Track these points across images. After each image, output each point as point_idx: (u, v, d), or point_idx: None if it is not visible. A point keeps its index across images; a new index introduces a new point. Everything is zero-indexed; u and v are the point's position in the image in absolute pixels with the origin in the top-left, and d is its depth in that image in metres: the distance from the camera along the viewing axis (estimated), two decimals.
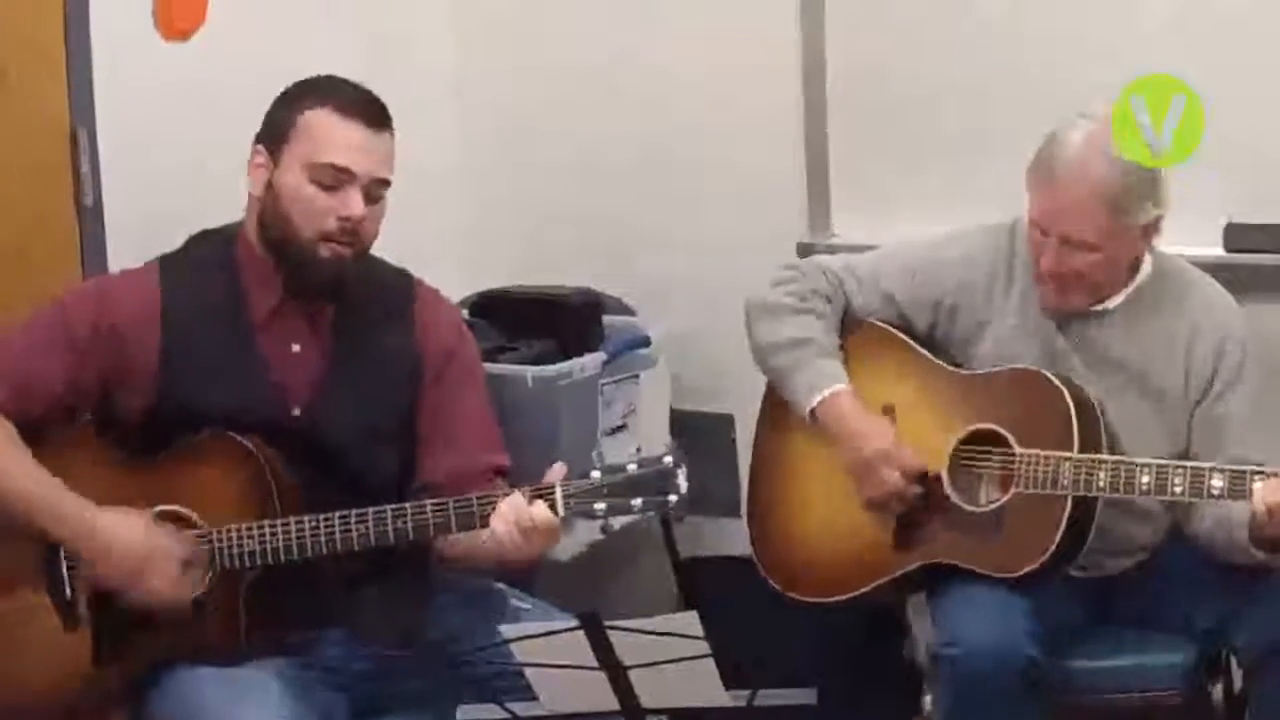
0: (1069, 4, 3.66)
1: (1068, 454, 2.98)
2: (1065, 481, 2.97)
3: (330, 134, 2.88)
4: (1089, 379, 3.11)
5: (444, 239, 4.16)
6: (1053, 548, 3.00)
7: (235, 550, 2.80)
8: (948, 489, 3.11)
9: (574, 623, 2.42)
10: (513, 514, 2.74)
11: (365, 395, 2.95)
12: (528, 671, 2.49)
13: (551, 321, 3.85)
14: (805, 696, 2.52)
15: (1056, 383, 3.05)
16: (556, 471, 2.76)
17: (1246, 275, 3.42)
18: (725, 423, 4.05)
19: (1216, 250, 3.56)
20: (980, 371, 3.17)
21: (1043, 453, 2.99)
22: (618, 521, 3.73)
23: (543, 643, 2.46)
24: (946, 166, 3.79)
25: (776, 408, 3.33)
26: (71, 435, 2.90)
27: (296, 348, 2.94)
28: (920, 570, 3.13)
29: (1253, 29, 3.50)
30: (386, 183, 2.94)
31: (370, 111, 2.91)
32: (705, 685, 2.44)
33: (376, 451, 2.95)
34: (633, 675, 2.43)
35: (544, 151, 4.21)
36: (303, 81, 2.96)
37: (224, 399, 2.87)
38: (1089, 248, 3.03)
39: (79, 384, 2.88)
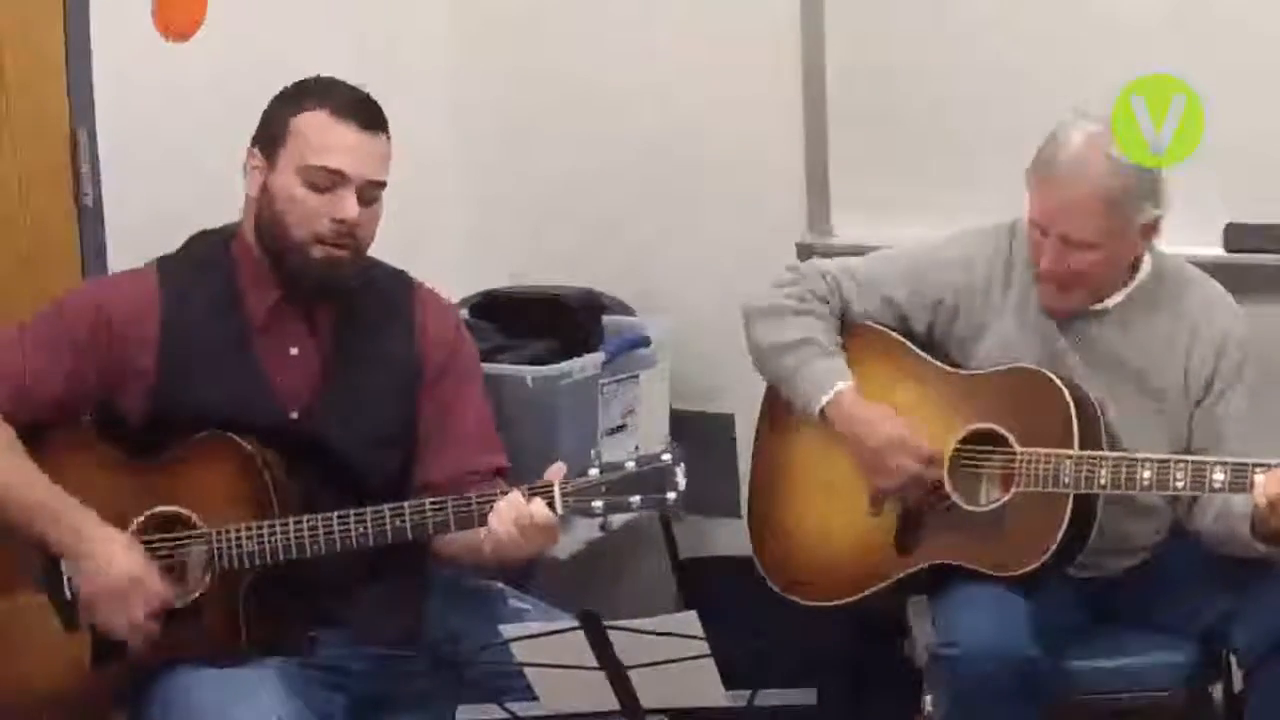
0: (1069, 4, 3.66)
1: (1068, 451, 2.98)
2: (1066, 479, 2.97)
3: (323, 137, 2.87)
4: (1089, 378, 3.11)
5: (444, 239, 4.16)
6: (1054, 546, 3.00)
7: (235, 550, 2.80)
8: (948, 489, 3.11)
9: (574, 623, 2.41)
10: (511, 512, 2.74)
11: (364, 398, 2.95)
12: (528, 671, 2.49)
13: (551, 321, 3.85)
14: (805, 696, 2.53)
15: (1056, 381, 3.05)
16: (556, 471, 2.76)
17: (1246, 275, 3.42)
18: (725, 423, 4.05)
19: (1216, 250, 3.56)
20: (979, 371, 3.17)
21: (1043, 451, 3.00)
22: (617, 520, 3.75)
23: (543, 643, 2.46)
24: (946, 167, 3.79)
25: (776, 408, 3.33)
26: (71, 436, 2.90)
27: (294, 351, 2.94)
28: (922, 573, 3.13)
29: (1252, 29, 3.50)
30: (382, 185, 2.93)
31: (364, 113, 2.90)
32: (705, 685, 2.44)
33: (375, 454, 2.95)
34: (633, 675, 2.43)
35: (544, 151, 4.21)
36: (297, 83, 2.95)
37: (221, 401, 2.87)
38: (1088, 247, 3.03)
39: (78, 385, 2.88)
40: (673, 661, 2.40)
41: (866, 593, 3.18)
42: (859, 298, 3.26)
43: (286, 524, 2.79)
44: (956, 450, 3.11)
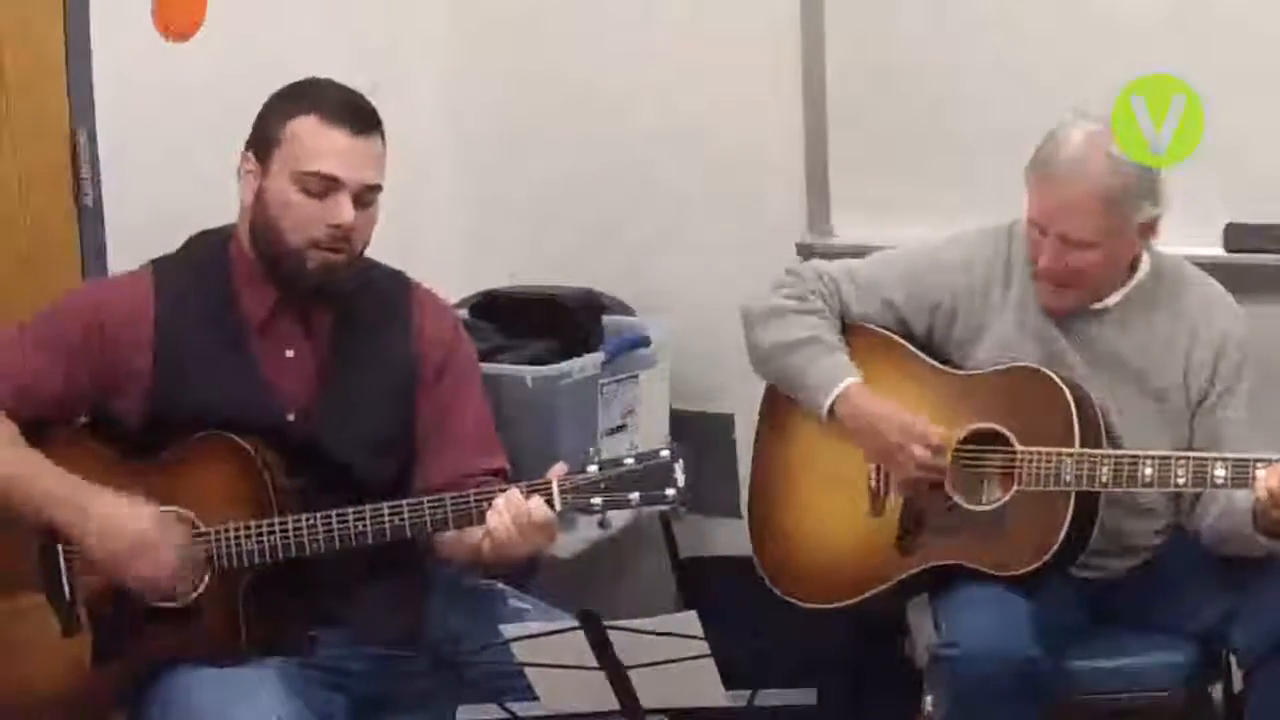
0: (1069, 4, 3.66)
1: (1069, 450, 2.98)
2: (1068, 477, 2.97)
3: (316, 142, 2.85)
4: (1090, 378, 3.11)
5: (445, 239, 4.17)
6: (1056, 546, 3.00)
7: (233, 550, 2.80)
8: (950, 489, 3.11)
9: (574, 623, 2.41)
10: (509, 509, 2.74)
11: (361, 400, 2.94)
12: (528, 671, 2.49)
13: (551, 321, 3.85)
14: (805, 696, 2.52)
15: (1056, 380, 3.05)
16: (556, 471, 2.76)
17: (1246, 275, 3.41)
18: (725, 423, 4.05)
19: (1216, 250, 3.56)
20: (979, 371, 3.17)
21: (1044, 450, 3.00)
22: (617, 520, 3.75)
23: (543, 642, 2.46)
24: (946, 167, 3.79)
25: (776, 409, 3.33)
26: (70, 436, 2.90)
27: (290, 353, 2.93)
28: (923, 574, 3.13)
29: (1252, 29, 3.50)
30: (377, 188, 2.91)
31: (357, 117, 2.88)
32: (705, 685, 2.43)
33: (373, 457, 2.94)
34: (633, 675, 2.43)
35: (545, 151, 4.21)
36: (289, 86, 2.93)
37: (218, 403, 2.86)
38: (1087, 246, 3.03)
39: (76, 387, 2.88)
40: (673, 661, 2.40)
41: (867, 594, 3.18)
42: (857, 300, 3.26)
43: (285, 523, 2.79)
44: (957, 450, 3.11)
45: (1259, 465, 2.84)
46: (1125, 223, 3.02)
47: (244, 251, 2.94)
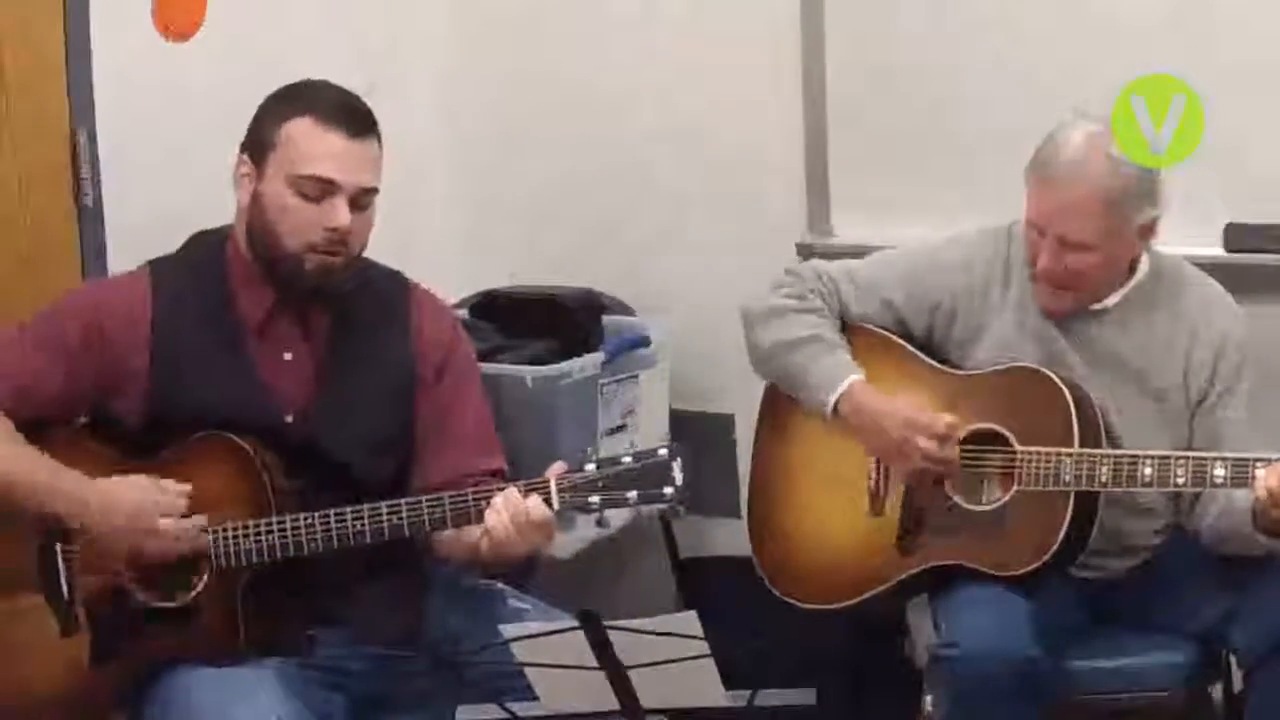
0: (1069, 4, 3.66)
1: (1069, 450, 2.98)
2: (1067, 477, 2.97)
3: (312, 145, 2.84)
4: (1090, 379, 3.10)
5: (444, 240, 4.16)
6: (1056, 546, 3.00)
7: (232, 549, 2.80)
8: (949, 489, 3.10)
9: (574, 623, 2.41)
10: (507, 508, 2.74)
11: (359, 401, 2.94)
12: (528, 671, 2.49)
13: (551, 321, 3.85)
14: (805, 696, 2.52)
15: (1055, 380, 3.05)
16: (554, 469, 2.76)
17: (1246, 275, 3.41)
18: (725, 423, 4.05)
19: (1216, 250, 3.56)
20: (978, 371, 3.17)
21: (1044, 450, 3.00)
22: (617, 520, 3.75)
23: (543, 643, 2.46)
24: (946, 167, 3.79)
25: (776, 409, 3.32)
26: (70, 436, 2.90)
27: (288, 355, 2.93)
28: (923, 574, 3.13)
29: (1252, 29, 3.50)
30: (374, 190, 2.90)
31: (353, 120, 2.87)
32: (705, 685, 2.43)
33: (372, 458, 2.94)
34: (633, 675, 2.42)
35: (545, 151, 4.21)
36: (284, 89, 2.92)
37: (216, 404, 2.86)
38: (1086, 248, 3.02)
39: (75, 387, 2.88)
40: (673, 661, 2.40)
41: (867, 595, 3.17)
42: (857, 300, 3.26)
43: (284, 522, 2.79)
44: (957, 450, 3.11)
45: (1258, 465, 2.85)
46: (1125, 225, 3.02)
47: (241, 253, 2.93)
